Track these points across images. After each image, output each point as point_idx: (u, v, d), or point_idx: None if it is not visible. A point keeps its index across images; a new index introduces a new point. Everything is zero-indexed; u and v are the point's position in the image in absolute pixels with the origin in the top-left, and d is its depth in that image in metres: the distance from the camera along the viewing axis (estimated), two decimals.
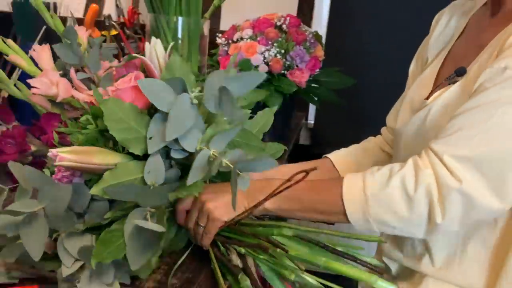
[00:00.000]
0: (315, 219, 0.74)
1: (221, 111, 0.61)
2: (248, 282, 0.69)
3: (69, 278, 0.59)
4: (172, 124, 0.59)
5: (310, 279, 0.68)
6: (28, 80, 0.63)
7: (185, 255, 0.74)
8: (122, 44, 1.69)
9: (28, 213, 0.56)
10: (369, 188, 0.67)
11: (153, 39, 0.66)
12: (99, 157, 0.59)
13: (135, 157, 0.63)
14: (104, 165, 0.60)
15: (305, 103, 1.55)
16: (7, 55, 0.68)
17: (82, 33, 0.71)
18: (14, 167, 0.62)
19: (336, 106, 1.54)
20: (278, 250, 0.68)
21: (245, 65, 1.42)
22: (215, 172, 0.61)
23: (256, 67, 1.42)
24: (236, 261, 0.72)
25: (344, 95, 1.57)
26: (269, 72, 1.43)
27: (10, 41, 0.68)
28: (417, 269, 0.78)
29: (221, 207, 0.70)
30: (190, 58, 1.29)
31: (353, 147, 0.99)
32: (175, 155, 0.63)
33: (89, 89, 0.67)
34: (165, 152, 0.64)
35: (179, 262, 0.71)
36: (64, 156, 0.56)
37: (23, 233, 0.58)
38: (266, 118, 0.86)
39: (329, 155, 0.95)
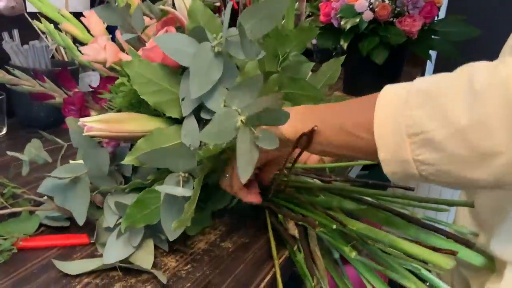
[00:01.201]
0: (344, 153, 0.54)
1: (243, 54, 0.54)
2: (299, 257, 0.63)
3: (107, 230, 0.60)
4: (195, 78, 0.54)
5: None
6: (80, 48, 0.63)
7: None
8: None
9: (71, 177, 0.58)
10: (416, 84, 0.45)
11: None
12: (132, 124, 0.57)
13: (176, 121, 0.61)
14: (139, 132, 0.58)
15: (422, 57, 1.38)
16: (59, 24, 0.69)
17: None
18: (70, 122, 0.64)
19: (457, 61, 1.34)
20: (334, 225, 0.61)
21: (347, 12, 1.30)
22: (233, 133, 0.53)
23: (360, 14, 1.29)
24: (293, 231, 0.67)
25: (466, 48, 1.35)
26: (375, 20, 1.29)
27: (63, 11, 0.69)
28: (494, 252, 0.63)
29: None
30: None
31: None
32: (205, 115, 0.58)
33: None
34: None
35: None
36: (92, 125, 0.54)
37: (68, 196, 0.60)
38: (332, 70, 0.76)
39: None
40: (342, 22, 1.30)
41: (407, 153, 0.43)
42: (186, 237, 0.65)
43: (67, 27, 0.68)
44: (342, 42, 1.33)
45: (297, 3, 1.32)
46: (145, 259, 0.56)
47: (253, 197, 0.63)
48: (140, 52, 0.59)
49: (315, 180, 0.72)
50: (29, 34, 1.02)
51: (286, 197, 0.68)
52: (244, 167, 0.52)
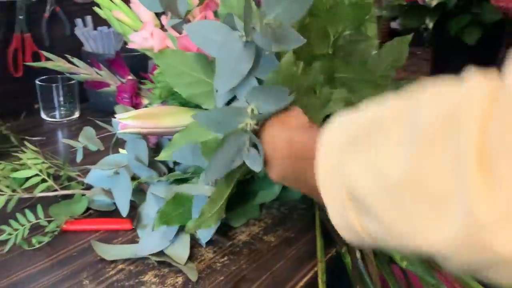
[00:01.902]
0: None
1: (270, 45, 0.47)
2: (348, 259, 0.58)
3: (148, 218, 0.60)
4: (222, 71, 0.49)
5: None
6: (129, 36, 0.63)
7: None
8: None
9: (113, 169, 0.58)
10: (359, 119, 0.35)
11: None
12: (169, 119, 0.55)
13: None
14: (175, 127, 0.56)
15: None
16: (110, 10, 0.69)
17: None
18: (118, 110, 0.64)
19: None
20: None
21: None
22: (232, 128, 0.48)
23: None
24: None
25: None
26: None
27: None
28: None
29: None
30: None
31: None
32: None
33: None
34: None
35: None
36: (127, 123, 0.53)
37: (113, 188, 0.61)
38: (398, 50, 0.68)
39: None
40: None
41: (351, 216, 0.33)
42: (228, 228, 0.63)
43: (117, 14, 0.68)
44: (427, 21, 1.21)
45: None
46: (179, 252, 0.55)
47: None
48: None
49: None
50: (104, 20, 1.06)
51: None
52: (216, 168, 0.48)
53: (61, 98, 0.96)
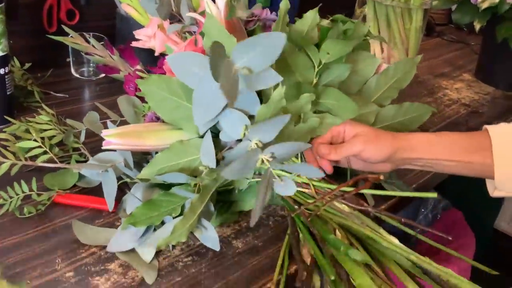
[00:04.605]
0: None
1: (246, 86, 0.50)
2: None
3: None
4: (197, 104, 0.51)
5: None
6: (134, 32, 0.65)
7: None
8: None
9: (103, 168, 0.63)
10: None
11: None
12: (152, 138, 0.58)
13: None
14: (159, 145, 0.58)
15: None
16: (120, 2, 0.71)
17: None
18: (121, 102, 0.68)
19: None
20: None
21: None
22: (253, 169, 0.52)
23: None
24: (307, 258, 0.63)
25: None
26: None
27: None
28: None
29: None
30: None
31: None
32: (224, 138, 0.56)
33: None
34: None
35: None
36: (111, 140, 0.56)
37: (103, 182, 0.65)
38: (405, 70, 0.66)
39: (490, 128, 0.63)
40: (479, 0, 1.10)
41: None
42: None
43: (125, 7, 0.70)
44: (475, 23, 1.14)
45: None
46: (145, 252, 0.59)
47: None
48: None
49: (343, 206, 0.65)
50: None
51: (304, 222, 0.65)
52: (258, 210, 0.52)
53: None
